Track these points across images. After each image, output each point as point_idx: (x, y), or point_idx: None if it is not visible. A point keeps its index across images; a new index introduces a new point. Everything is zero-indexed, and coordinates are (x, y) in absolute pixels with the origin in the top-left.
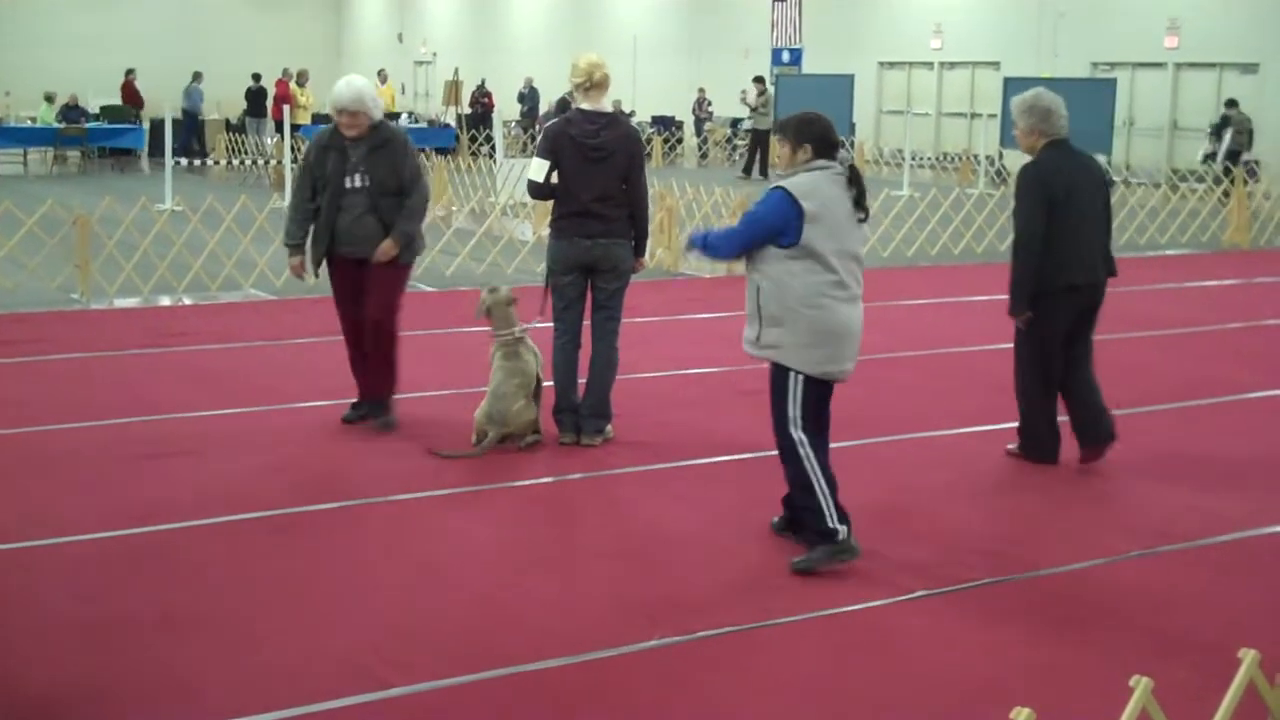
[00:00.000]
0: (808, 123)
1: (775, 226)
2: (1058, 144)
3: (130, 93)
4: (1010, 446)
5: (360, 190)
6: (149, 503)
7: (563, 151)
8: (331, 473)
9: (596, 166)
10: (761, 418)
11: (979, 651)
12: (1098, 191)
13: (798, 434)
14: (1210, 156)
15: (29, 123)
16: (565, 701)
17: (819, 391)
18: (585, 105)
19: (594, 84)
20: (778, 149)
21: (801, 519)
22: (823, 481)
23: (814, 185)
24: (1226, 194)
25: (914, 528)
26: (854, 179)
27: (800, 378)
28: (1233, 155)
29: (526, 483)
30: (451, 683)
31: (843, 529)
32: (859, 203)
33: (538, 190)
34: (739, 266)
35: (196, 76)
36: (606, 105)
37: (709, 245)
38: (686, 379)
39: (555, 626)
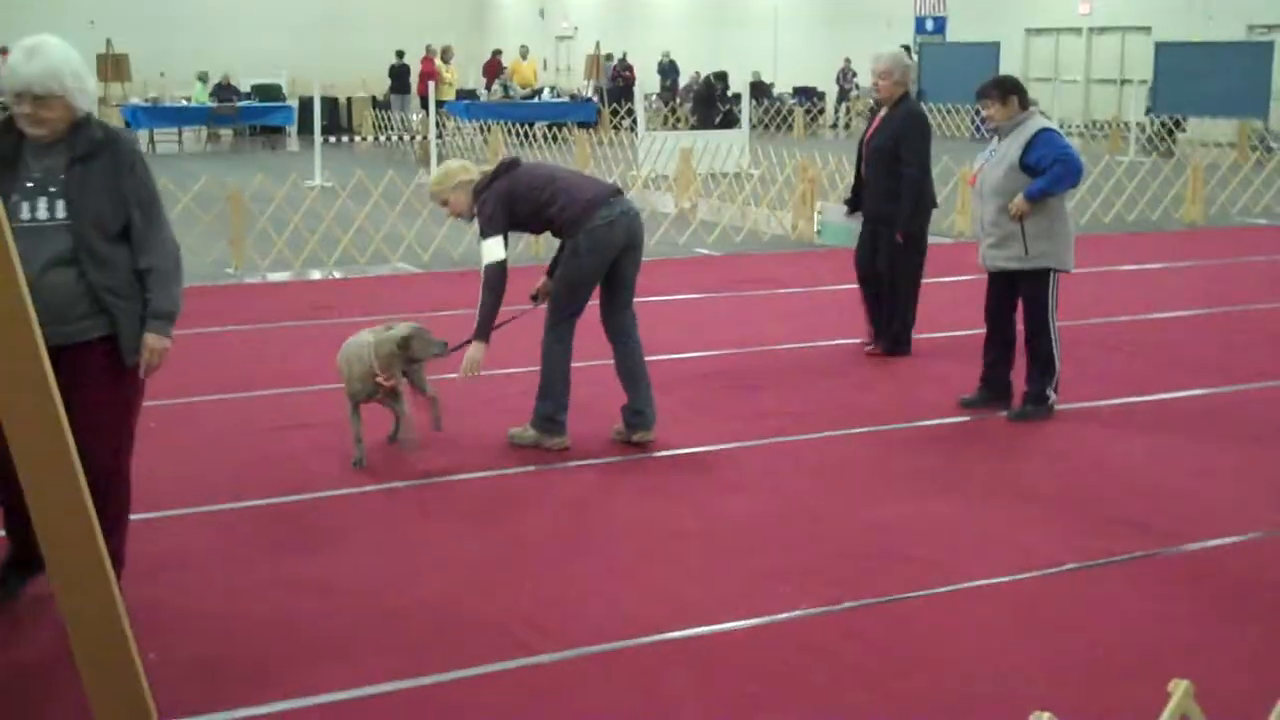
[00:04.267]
0: (1012, 81)
1: None
2: (909, 94)
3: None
4: (869, 348)
5: (49, 229)
6: (301, 472)
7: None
8: (477, 443)
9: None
10: (898, 389)
11: (1132, 626)
12: None
13: (1054, 320)
14: (1152, 109)
15: (183, 102)
16: (707, 670)
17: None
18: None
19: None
20: (990, 108)
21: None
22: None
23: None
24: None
25: (1062, 499)
26: None
27: (1058, 276)
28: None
29: (662, 454)
30: (592, 650)
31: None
32: None
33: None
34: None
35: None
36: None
37: (1049, 188)
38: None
39: (696, 596)
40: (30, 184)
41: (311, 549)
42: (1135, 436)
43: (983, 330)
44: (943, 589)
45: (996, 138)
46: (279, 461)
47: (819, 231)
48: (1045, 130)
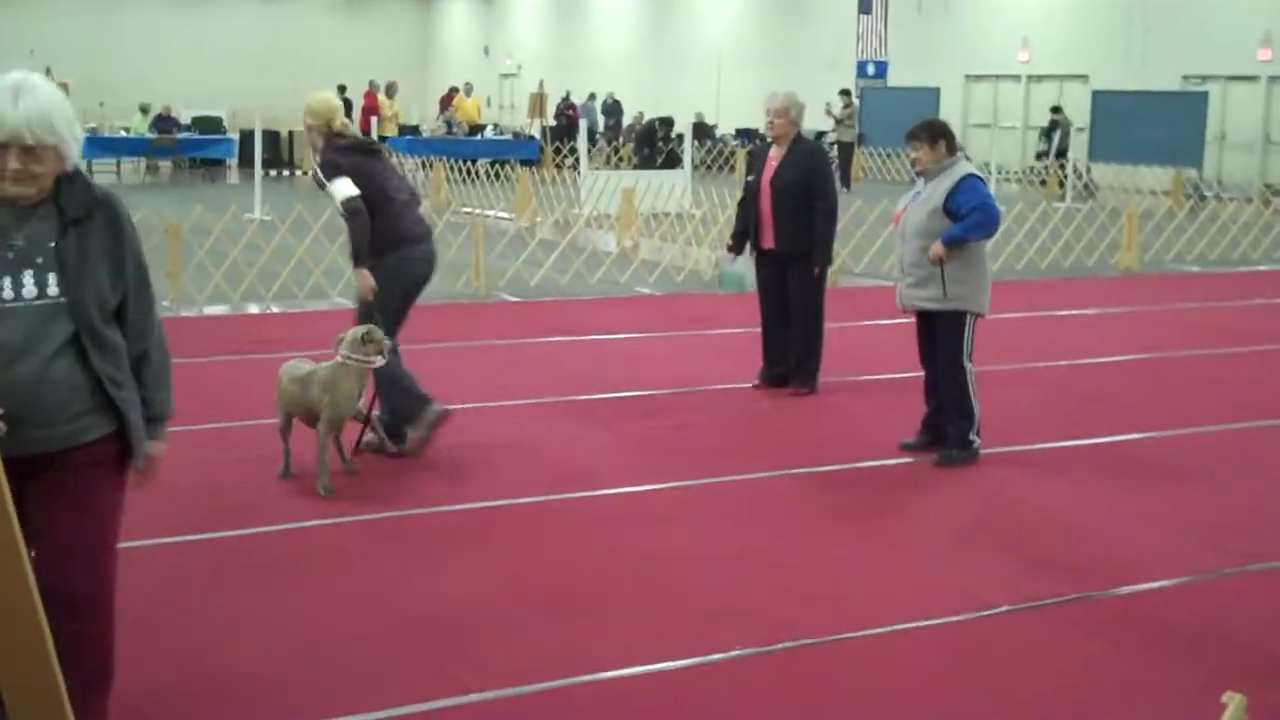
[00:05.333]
0: (941, 126)
1: None
2: (801, 134)
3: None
4: (796, 390)
5: (38, 310)
6: (237, 506)
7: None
8: (412, 480)
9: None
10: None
11: (1064, 669)
12: None
13: (968, 363)
14: (1042, 154)
15: (123, 133)
16: (643, 710)
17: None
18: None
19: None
20: (918, 150)
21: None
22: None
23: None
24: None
25: (999, 541)
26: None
27: (975, 319)
28: (1061, 153)
29: (603, 492)
30: (531, 689)
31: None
32: None
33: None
34: None
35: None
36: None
37: (964, 235)
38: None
39: (634, 636)
40: (11, 254)
41: (250, 584)
42: (1067, 480)
43: (917, 373)
44: (876, 630)
45: (923, 180)
46: (219, 495)
47: (721, 282)
48: (970, 177)
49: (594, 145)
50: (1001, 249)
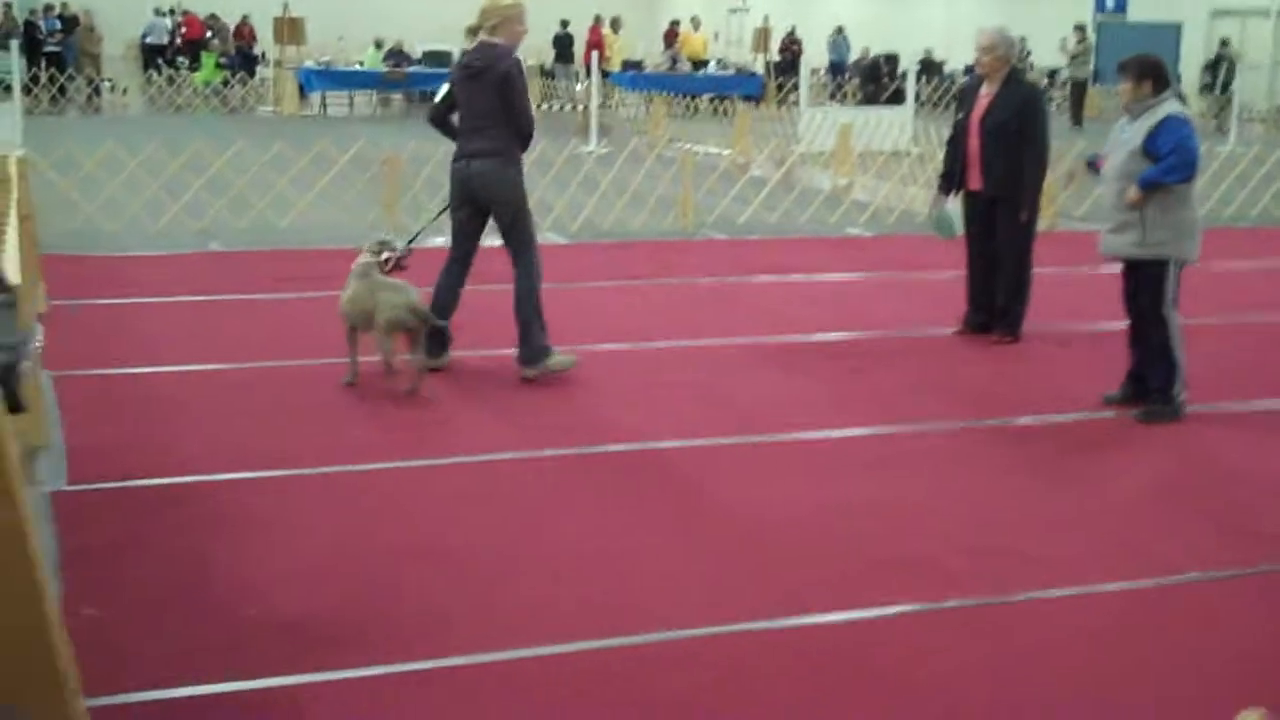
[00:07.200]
0: (1152, 63)
1: None
2: (1015, 71)
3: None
4: (998, 338)
5: None
6: (420, 438)
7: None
8: (598, 415)
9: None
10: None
11: (1252, 642)
12: None
13: (1172, 312)
14: (1208, 87)
15: (357, 66)
16: (807, 662)
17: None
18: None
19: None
20: (1123, 85)
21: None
22: None
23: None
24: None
25: (1196, 504)
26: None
27: (1180, 266)
28: (1225, 86)
29: (788, 436)
30: (690, 634)
31: None
32: None
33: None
34: None
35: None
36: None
37: (1159, 178)
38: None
39: (800, 584)
40: None
41: (419, 514)
42: (1277, 443)
43: (1124, 322)
44: (1055, 592)
45: (1128, 118)
46: (409, 424)
47: (938, 228)
48: (1171, 117)
49: (836, 79)
50: (1235, 194)
